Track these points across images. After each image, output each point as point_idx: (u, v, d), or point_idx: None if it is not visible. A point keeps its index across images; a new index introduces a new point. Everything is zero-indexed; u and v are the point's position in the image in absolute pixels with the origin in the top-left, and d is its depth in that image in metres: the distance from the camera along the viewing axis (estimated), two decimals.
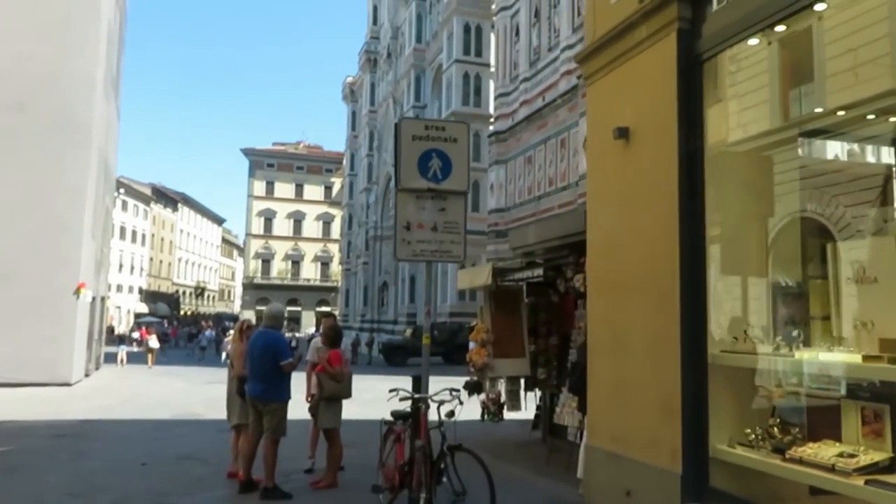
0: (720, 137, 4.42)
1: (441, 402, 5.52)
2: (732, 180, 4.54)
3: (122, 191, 59.53)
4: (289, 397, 6.80)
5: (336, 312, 77.02)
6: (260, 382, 6.62)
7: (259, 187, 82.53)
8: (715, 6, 4.15)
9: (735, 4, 3.97)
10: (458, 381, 13.99)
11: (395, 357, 32.79)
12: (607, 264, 4.98)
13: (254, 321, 10.00)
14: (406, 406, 5.76)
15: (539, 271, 8.40)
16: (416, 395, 5.60)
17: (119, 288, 65.80)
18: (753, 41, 4.01)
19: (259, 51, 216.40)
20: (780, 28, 3.89)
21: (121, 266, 67.82)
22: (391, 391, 5.80)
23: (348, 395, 7.18)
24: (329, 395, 6.93)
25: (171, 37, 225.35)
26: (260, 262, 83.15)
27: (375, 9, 59.09)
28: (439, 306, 39.43)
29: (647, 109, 4.59)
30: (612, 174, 4.94)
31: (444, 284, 38.84)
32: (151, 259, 78.41)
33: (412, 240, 5.75)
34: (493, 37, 38.34)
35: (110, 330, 47.17)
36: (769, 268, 4.42)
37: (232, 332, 13.71)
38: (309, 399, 7.60)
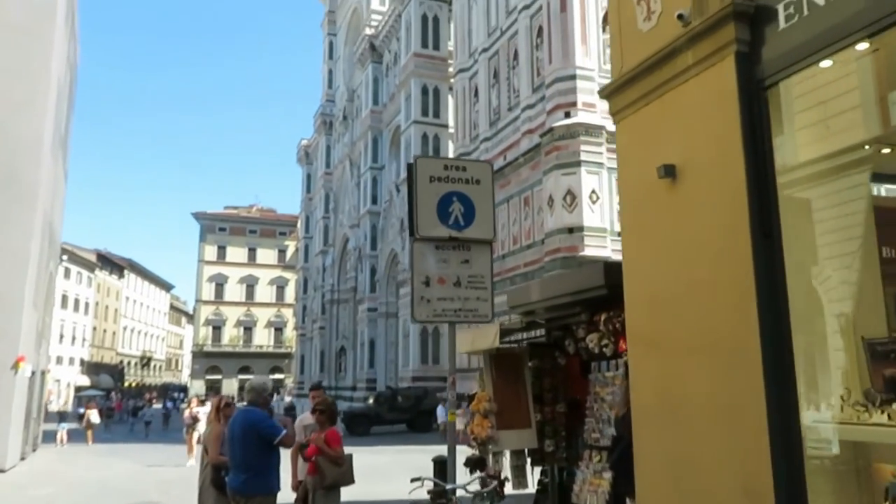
0: (793, 168, 3.89)
1: (479, 496, 4.68)
2: (809, 217, 4.00)
3: (65, 257, 57.16)
4: (278, 489, 5.70)
5: (290, 379, 74.64)
6: (242, 472, 5.52)
7: (210, 252, 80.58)
8: (782, 24, 3.67)
9: (807, 23, 3.51)
10: (427, 450, 13.03)
11: (357, 426, 31.32)
12: (655, 321, 4.35)
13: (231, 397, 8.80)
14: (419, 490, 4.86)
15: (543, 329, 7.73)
16: (448, 486, 4.73)
17: (59, 360, 62.46)
18: (826, 63, 3.54)
19: (210, 115, 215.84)
20: (863, 46, 3.44)
21: (62, 336, 64.60)
22: (413, 481, 4.89)
23: (351, 480, 6.16)
24: (331, 483, 5.92)
25: (120, 99, 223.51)
26: (210, 328, 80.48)
27: (331, 73, 59.37)
28: (401, 370, 38.28)
29: (698, 143, 4.06)
30: (655, 218, 4.38)
31: (405, 347, 37.77)
32: (95, 328, 75.06)
33: (432, 297, 4.99)
34: (450, 98, 38.61)
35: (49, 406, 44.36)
36: (857, 318, 3.86)
37: (184, 403, 12.53)
38: (296, 488, 6.62)
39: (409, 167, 5.22)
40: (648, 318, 4.43)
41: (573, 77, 25.37)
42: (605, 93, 4.97)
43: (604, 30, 26.51)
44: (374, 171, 45.88)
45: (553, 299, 6.89)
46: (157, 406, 63.02)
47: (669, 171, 4.18)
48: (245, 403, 5.89)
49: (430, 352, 36.77)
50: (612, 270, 5.80)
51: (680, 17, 4.15)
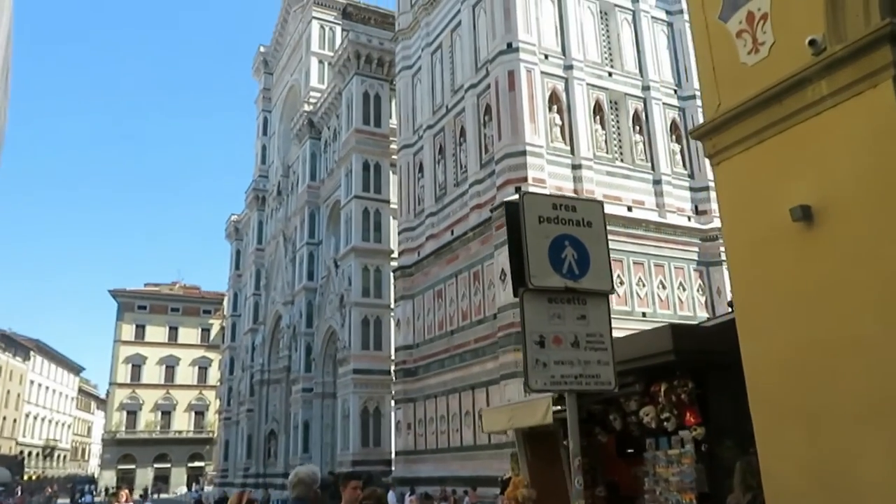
0: None
1: None
2: None
3: None
4: None
5: (211, 467, 70.01)
6: None
7: (128, 331, 76.21)
8: None
9: None
10: None
11: None
12: (797, 386, 3.76)
13: (184, 488, 7.35)
14: None
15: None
16: None
17: None
18: None
19: (129, 190, 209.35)
20: None
21: None
22: None
23: None
24: None
25: (34, 173, 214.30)
26: (125, 413, 75.18)
27: (264, 148, 58.70)
28: (339, 454, 36.32)
29: (844, 181, 3.62)
30: (785, 266, 3.87)
31: (344, 429, 35.94)
32: None
33: (548, 361, 4.22)
34: (392, 174, 38.46)
35: None
36: None
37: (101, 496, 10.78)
38: None
39: (508, 206, 4.55)
40: (785, 383, 3.85)
41: (523, 153, 25.61)
42: (698, 134, 4.53)
43: (550, 109, 27.11)
44: (310, 246, 44.84)
45: None
46: (63, 502, 57.64)
47: (805, 213, 3.71)
48: (292, 498, 4.83)
49: (371, 434, 35.15)
50: (681, 334, 5.23)
51: (812, 43, 3.78)
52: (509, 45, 26.86)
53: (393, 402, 33.70)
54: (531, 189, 25.04)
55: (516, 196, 23.94)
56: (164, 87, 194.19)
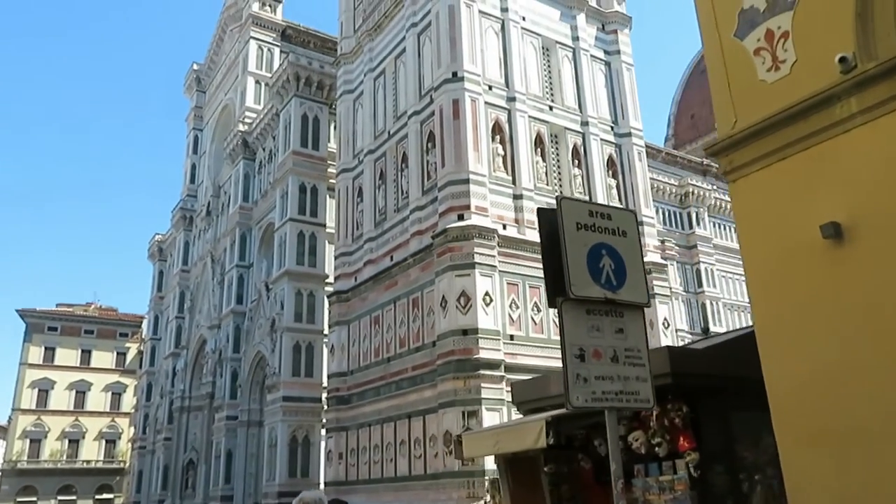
0: None
1: None
2: None
3: None
4: None
5: (121, 499, 66.22)
6: None
7: (35, 354, 71.78)
8: None
9: None
10: None
11: None
12: (826, 407, 3.67)
13: None
14: None
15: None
16: None
17: None
18: None
19: (43, 206, 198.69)
20: None
21: None
22: None
23: None
24: None
25: None
26: (27, 441, 70.43)
27: (194, 167, 57.01)
28: (265, 485, 34.93)
29: (878, 198, 3.59)
30: (812, 285, 3.81)
31: (271, 458, 34.64)
32: None
33: (589, 376, 3.99)
34: (328, 198, 37.94)
35: None
36: None
37: None
38: None
39: (541, 212, 4.33)
40: (813, 404, 3.77)
41: (466, 181, 25.66)
42: (714, 150, 4.49)
43: (493, 139, 27.34)
44: (240, 269, 43.52)
45: None
46: None
47: (835, 231, 3.67)
48: None
49: (300, 463, 33.99)
50: (678, 357, 5.13)
51: (842, 60, 3.79)
52: (454, 73, 27.03)
53: (324, 431, 32.73)
54: (474, 216, 25.13)
55: (461, 223, 23.75)
56: (80, 101, 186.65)
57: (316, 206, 37.96)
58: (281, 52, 47.51)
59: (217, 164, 52.33)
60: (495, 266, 25.03)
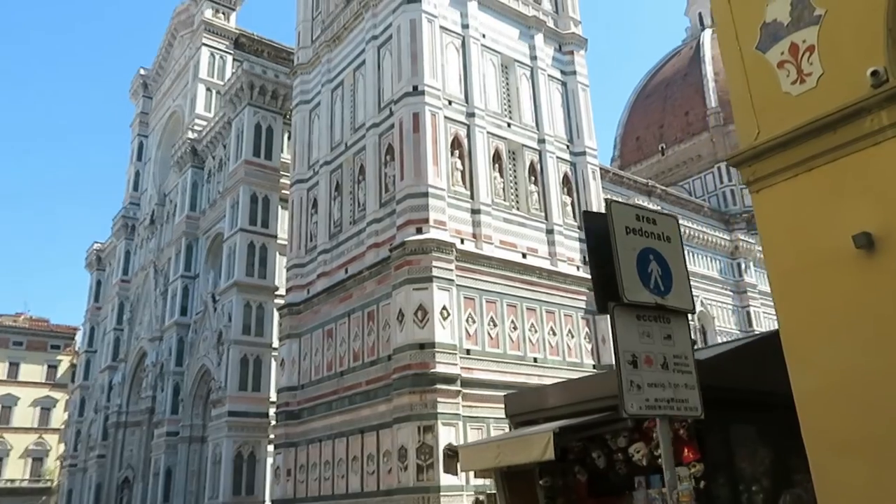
0: None
1: None
2: None
3: None
4: None
5: None
6: None
7: None
8: None
9: None
10: None
11: None
12: (858, 417, 3.68)
13: None
14: None
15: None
16: None
17: None
18: None
19: None
20: None
21: None
22: None
23: None
24: None
25: None
26: None
27: (137, 174, 55.38)
28: (207, 502, 33.74)
29: None
30: (842, 294, 3.84)
31: (214, 475, 33.59)
32: None
33: (642, 383, 3.88)
34: (280, 209, 37.36)
35: None
36: None
37: None
38: None
39: (587, 216, 4.24)
40: (845, 413, 3.78)
41: (426, 194, 25.60)
42: (736, 161, 4.52)
43: (452, 153, 27.38)
44: (185, 279, 42.35)
45: (584, 404, 6.00)
46: None
47: (866, 241, 3.72)
48: None
49: (245, 480, 33.05)
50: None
51: (874, 74, 3.86)
52: (415, 87, 27.04)
53: (271, 447, 31.91)
54: (432, 230, 25.06)
55: (420, 236, 23.54)
56: (14, 105, 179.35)
57: (268, 216, 37.27)
58: (234, 60, 46.81)
59: (163, 171, 50.94)
60: (453, 280, 24.98)
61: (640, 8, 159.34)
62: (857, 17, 4.15)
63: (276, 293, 35.90)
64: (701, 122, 74.43)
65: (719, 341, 49.83)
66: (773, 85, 4.55)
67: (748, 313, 54.01)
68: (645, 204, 51.07)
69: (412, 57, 27.47)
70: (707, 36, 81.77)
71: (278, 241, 36.87)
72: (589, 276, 29.26)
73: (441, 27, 28.64)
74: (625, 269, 4.12)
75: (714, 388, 5.65)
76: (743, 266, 55.59)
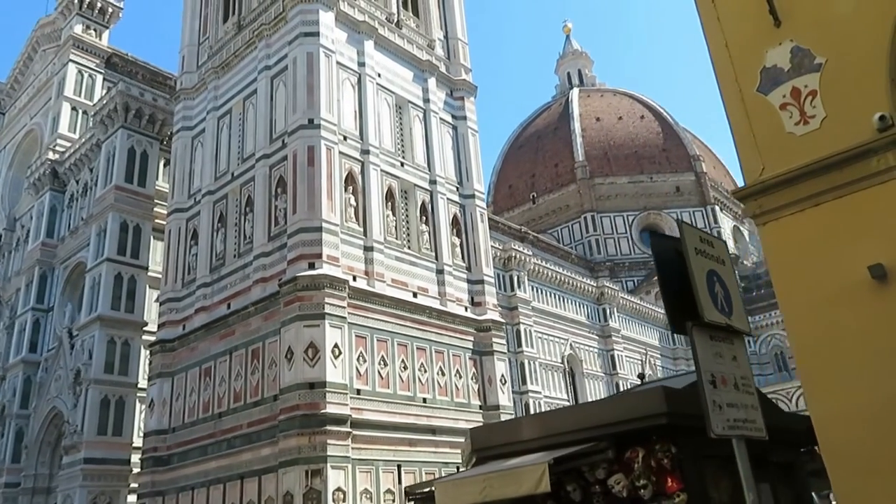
0: None
1: None
2: None
3: None
4: None
5: None
6: None
7: None
8: None
9: None
10: None
11: None
12: (886, 444, 3.82)
13: None
14: None
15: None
16: None
17: None
18: None
19: None
20: None
21: None
22: None
23: None
24: None
25: None
26: None
27: None
28: None
29: None
30: (857, 325, 4.02)
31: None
32: None
33: (723, 403, 3.75)
34: (153, 239, 35.28)
35: None
36: None
37: None
38: None
39: (653, 236, 4.15)
40: (868, 442, 3.92)
41: (319, 229, 25.06)
42: (742, 195, 4.71)
43: (346, 189, 27.05)
44: (37, 312, 38.64)
45: (560, 436, 5.93)
46: None
47: (879, 272, 3.96)
48: None
49: None
50: (672, 396, 5.21)
51: (881, 118, 4.17)
52: (311, 120, 26.63)
53: (133, 497, 29.35)
54: (325, 265, 24.49)
55: (312, 272, 22.81)
56: None
57: (138, 246, 34.92)
58: (104, 79, 44.19)
59: (14, 193, 46.63)
60: (345, 318, 24.41)
61: (513, 62, 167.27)
62: (859, 65, 4.54)
63: (146, 329, 33.53)
64: (569, 174, 78.45)
65: (587, 385, 51.92)
66: (775, 125, 4.84)
67: (612, 357, 56.23)
68: (521, 249, 52.65)
69: (308, 90, 27.08)
70: (575, 94, 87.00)
71: (149, 274, 34.62)
72: (476, 317, 29.69)
73: (338, 63, 28.51)
74: (700, 289, 4.15)
75: (690, 416, 5.78)
76: (608, 311, 58.01)
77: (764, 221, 4.75)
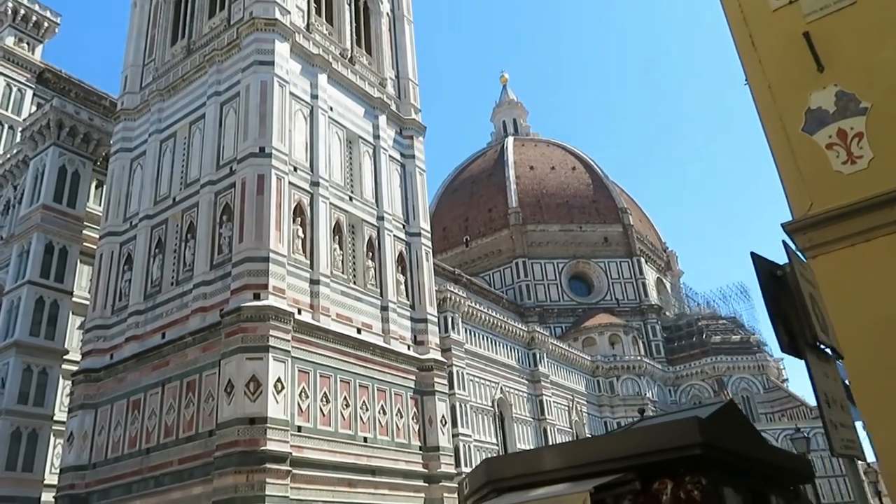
0: None
1: None
2: None
3: None
4: None
5: None
6: None
7: None
8: None
9: None
10: None
11: None
12: None
13: None
14: None
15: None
16: None
17: None
18: None
19: None
20: None
21: None
22: None
23: None
24: None
25: None
26: None
27: None
28: None
29: None
30: None
31: None
32: None
33: (837, 423, 3.72)
34: (79, 262, 33.65)
35: None
36: None
37: None
38: None
39: (756, 258, 4.14)
40: None
41: (266, 259, 24.49)
42: (792, 228, 4.86)
43: (294, 220, 26.59)
44: None
45: (587, 466, 5.86)
46: None
47: None
48: None
49: None
50: (708, 428, 5.26)
51: None
52: (262, 149, 26.22)
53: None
54: (271, 297, 23.86)
55: (257, 302, 22.13)
56: None
57: (64, 269, 33.15)
58: (34, 94, 42.40)
59: None
60: (289, 351, 23.75)
61: (450, 107, 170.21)
62: None
63: (66, 357, 31.65)
64: (502, 219, 79.62)
65: (516, 430, 51.69)
66: (822, 163, 5.07)
67: (541, 402, 56.30)
68: (456, 291, 52.62)
69: (260, 118, 26.72)
70: (510, 142, 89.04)
71: (74, 299, 32.84)
72: (418, 356, 29.42)
73: (291, 93, 28.31)
74: (810, 310, 4.22)
75: (712, 447, 5.84)
76: (538, 356, 58.28)
77: (815, 255, 4.93)
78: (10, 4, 43.13)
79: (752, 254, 4.88)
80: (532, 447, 47.54)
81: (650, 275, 78.73)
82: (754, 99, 5.58)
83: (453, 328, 51.37)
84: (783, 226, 5.03)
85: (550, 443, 49.58)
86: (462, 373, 50.17)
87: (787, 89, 5.47)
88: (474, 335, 52.92)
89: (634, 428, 7.01)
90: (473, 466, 41.59)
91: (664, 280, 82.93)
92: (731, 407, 7.22)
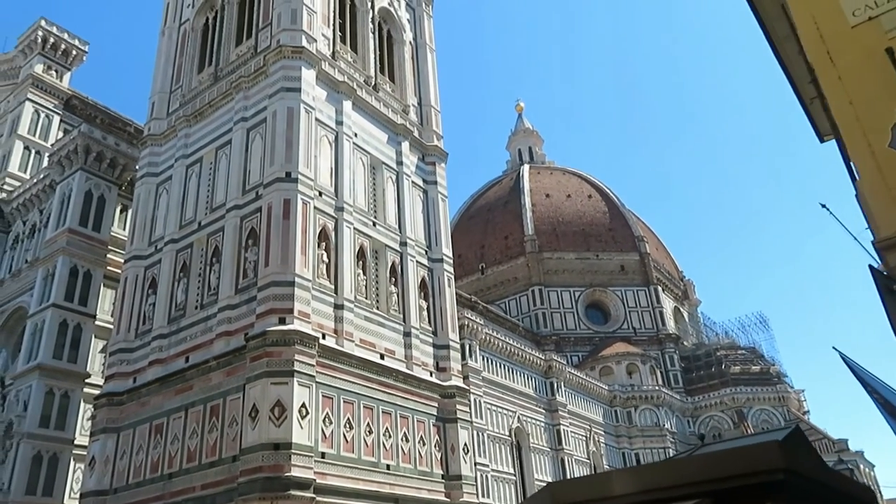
0: None
1: None
2: None
3: None
4: None
5: None
6: None
7: None
8: None
9: None
10: None
11: None
12: None
13: None
14: None
15: None
16: None
17: None
18: None
19: None
20: None
21: None
22: None
23: None
24: None
25: None
26: None
27: None
28: None
29: None
30: None
31: None
32: None
33: None
34: (103, 286, 33.81)
35: None
36: None
37: None
38: None
39: (877, 273, 4.08)
40: None
41: (292, 283, 24.47)
42: (887, 244, 4.80)
43: (319, 245, 26.62)
44: None
45: (662, 491, 5.69)
46: None
47: None
48: None
49: None
50: (793, 451, 5.09)
51: None
52: (288, 174, 26.37)
53: None
54: (296, 321, 23.80)
55: (283, 326, 22.05)
56: None
57: (87, 293, 33.32)
58: (62, 120, 43.06)
59: None
60: (314, 376, 23.62)
61: (465, 134, 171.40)
62: None
63: (88, 381, 31.67)
64: (518, 246, 79.45)
65: (533, 460, 50.77)
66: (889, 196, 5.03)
67: (558, 431, 55.44)
68: (474, 318, 52.34)
69: (287, 143, 26.92)
70: (526, 170, 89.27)
71: (97, 323, 32.95)
72: (441, 383, 29.17)
73: (317, 119, 28.56)
74: None
75: (795, 473, 5.65)
76: (555, 385, 57.52)
77: None
78: (40, 33, 44.03)
79: (871, 266, 4.79)
80: (551, 479, 46.84)
81: (667, 304, 78.03)
82: (835, 116, 5.54)
83: (471, 356, 50.87)
84: (875, 243, 4.94)
85: (569, 475, 48.85)
86: (479, 401, 49.57)
87: (870, 105, 5.43)
88: (492, 363, 52.37)
89: (708, 452, 6.82)
90: (491, 498, 40.65)
91: (682, 309, 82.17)
92: (798, 432, 7.02)
